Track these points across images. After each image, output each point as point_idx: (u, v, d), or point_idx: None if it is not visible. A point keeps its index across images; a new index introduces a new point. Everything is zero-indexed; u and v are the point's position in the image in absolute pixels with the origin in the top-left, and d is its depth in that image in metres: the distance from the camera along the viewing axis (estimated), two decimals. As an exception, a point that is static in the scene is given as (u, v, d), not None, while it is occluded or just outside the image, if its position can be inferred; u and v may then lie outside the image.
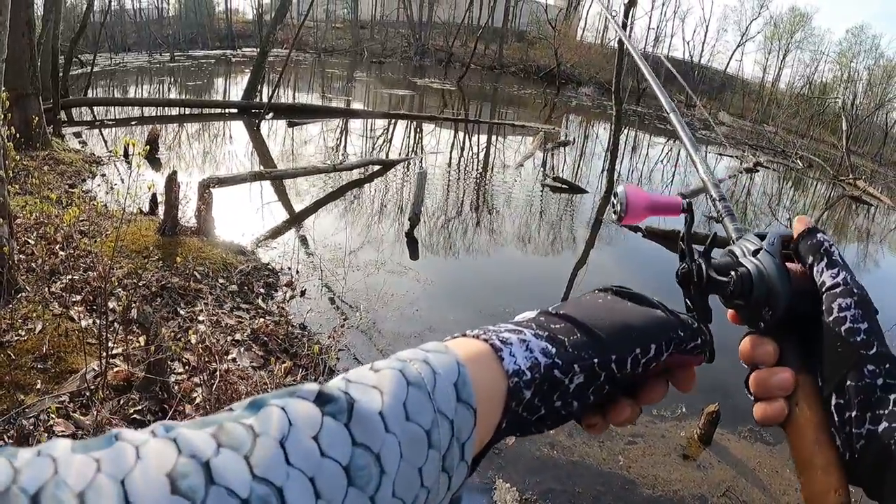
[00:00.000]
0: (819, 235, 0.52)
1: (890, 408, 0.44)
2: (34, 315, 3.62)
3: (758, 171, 17.19)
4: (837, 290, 0.49)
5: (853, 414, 0.46)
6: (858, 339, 0.47)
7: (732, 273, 0.53)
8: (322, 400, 0.31)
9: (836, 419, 0.47)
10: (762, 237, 0.56)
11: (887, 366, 0.46)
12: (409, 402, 0.34)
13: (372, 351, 4.32)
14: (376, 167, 9.98)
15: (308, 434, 0.30)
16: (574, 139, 17.78)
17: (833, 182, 18.59)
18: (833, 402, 0.47)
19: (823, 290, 0.49)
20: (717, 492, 3.51)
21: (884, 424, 0.44)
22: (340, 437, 0.30)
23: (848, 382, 0.46)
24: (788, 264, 0.53)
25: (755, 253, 0.54)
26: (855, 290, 0.49)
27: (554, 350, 0.42)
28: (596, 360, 0.43)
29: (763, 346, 0.52)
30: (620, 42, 12.35)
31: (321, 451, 0.29)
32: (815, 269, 0.51)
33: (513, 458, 3.43)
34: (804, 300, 0.51)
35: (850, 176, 18.52)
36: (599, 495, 3.31)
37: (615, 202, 0.60)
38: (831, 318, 0.48)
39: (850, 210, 15.46)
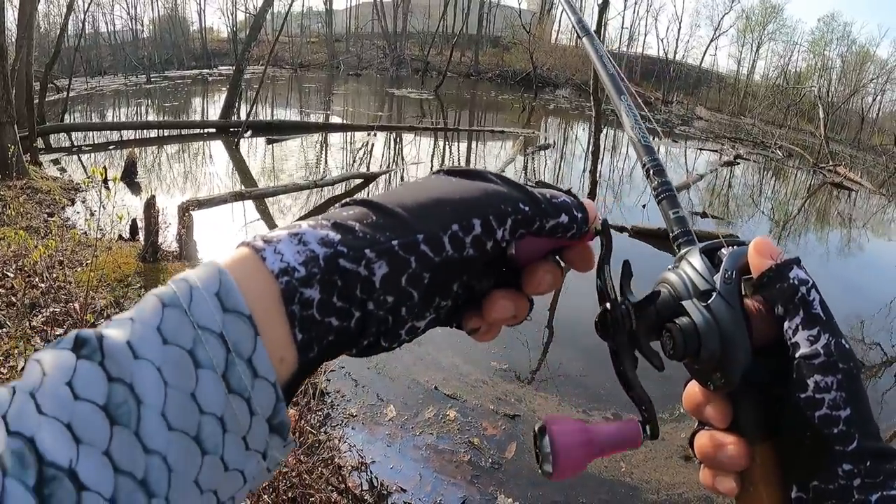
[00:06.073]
0: (793, 276, 0.39)
1: None
2: (16, 352, 3.53)
3: (738, 163, 17.33)
4: (816, 361, 0.37)
5: None
6: (835, 430, 0.36)
7: (670, 326, 0.41)
8: (77, 344, 0.30)
9: None
10: (710, 255, 0.43)
11: (868, 463, 0.36)
12: (165, 324, 0.30)
13: (364, 370, 4.25)
14: (358, 181, 9.94)
15: (61, 381, 0.29)
16: (554, 142, 17.82)
17: (813, 170, 18.80)
18: (794, 493, 0.39)
19: (796, 355, 0.38)
20: (720, 492, 3.48)
21: None
22: (95, 376, 0.29)
23: (814, 483, 0.37)
24: (747, 301, 0.41)
25: (705, 296, 0.41)
26: (840, 364, 0.37)
27: (338, 237, 0.35)
28: (395, 242, 0.36)
29: (711, 404, 0.42)
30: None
31: (75, 395, 0.28)
32: (786, 323, 0.39)
33: (513, 472, 3.37)
34: (769, 360, 0.40)
35: (831, 163, 18.78)
36: (603, 504, 3.27)
37: (538, 452, 0.42)
38: (803, 397, 0.37)
39: (832, 196, 15.62)
